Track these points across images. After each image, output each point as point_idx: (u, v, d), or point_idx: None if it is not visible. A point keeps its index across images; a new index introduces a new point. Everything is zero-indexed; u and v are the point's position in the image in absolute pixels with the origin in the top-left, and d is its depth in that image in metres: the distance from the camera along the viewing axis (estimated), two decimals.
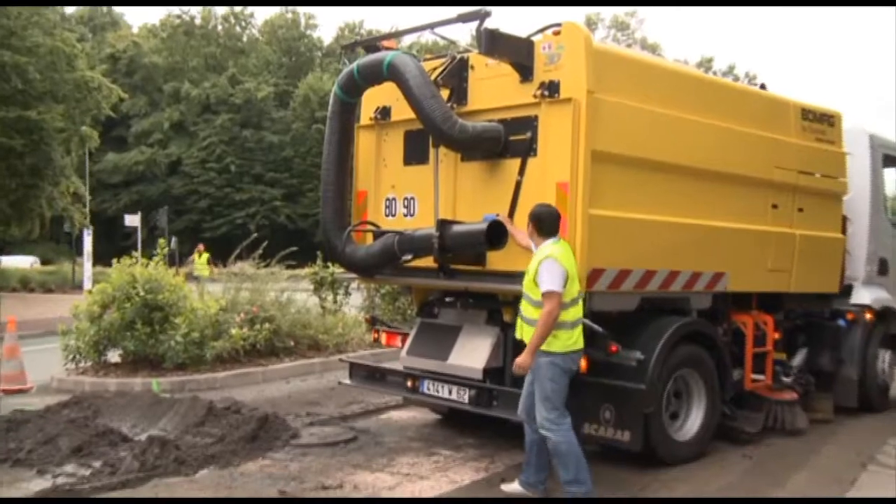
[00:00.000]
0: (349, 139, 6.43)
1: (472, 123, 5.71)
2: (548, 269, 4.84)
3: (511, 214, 5.63)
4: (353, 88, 6.23)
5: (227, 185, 47.90)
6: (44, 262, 36.56)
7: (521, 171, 5.63)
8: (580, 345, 5.02)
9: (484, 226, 5.49)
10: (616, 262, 5.67)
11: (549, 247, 4.96)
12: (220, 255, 12.47)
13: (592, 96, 5.43)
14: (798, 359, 7.67)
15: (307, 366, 10.03)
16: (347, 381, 6.96)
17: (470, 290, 6.17)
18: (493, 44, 5.47)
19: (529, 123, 5.64)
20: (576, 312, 4.98)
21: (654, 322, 6.03)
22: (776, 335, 7.13)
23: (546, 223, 5.03)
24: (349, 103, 6.35)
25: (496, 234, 5.51)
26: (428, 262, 6.07)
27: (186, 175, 48.43)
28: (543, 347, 4.87)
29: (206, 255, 15.68)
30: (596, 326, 5.53)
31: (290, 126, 50.39)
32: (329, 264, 12.22)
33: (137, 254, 9.64)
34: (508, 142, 5.72)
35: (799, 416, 7.23)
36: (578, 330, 5.00)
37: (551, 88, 5.48)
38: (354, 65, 6.10)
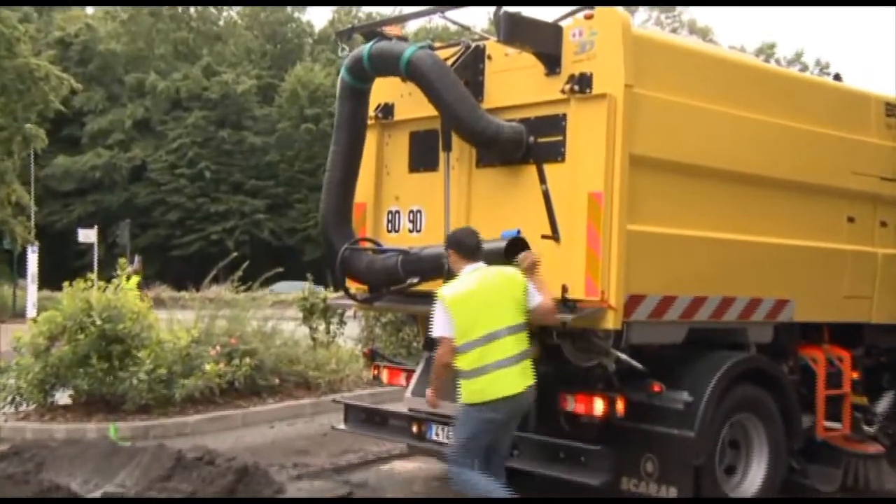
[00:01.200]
0: (360, 128, 6.52)
1: (498, 121, 5.82)
2: (434, 311, 5.20)
3: (554, 232, 5.65)
4: (363, 74, 6.37)
5: (200, 194, 48.19)
6: None
7: (546, 179, 5.73)
8: (494, 394, 5.08)
9: (502, 244, 5.57)
10: (658, 287, 5.73)
11: (450, 284, 5.25)
12: (192, 277, 12.59)
13: (631, 91, 5.51)
14: (883, 404, 7.55)
15: (295, 408, 10.10)
16: (342, 426, 7.01)
17: None
18: (514, 30, 5.57)
19: (556, 123, 5.73)
20: (474, 359, 5.08)
21: (704, 358, 6.07)
22: (854, 375, 7.10)
23: (465, 248, 5.30)
24: (360, 89, 6.46)
25: (517, 253, 5.56)
26: (437, 286, 6.14)
27: (152, 182, 48.76)
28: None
29: (135, 278, 14.76)
30: (634, 362, 5.58)
31: (274, 126, 50.72)
32: (322, 287, 12.31)
33: (93, 276, 9.76)
34: (531, 144, 5.82)
35: (886, 474, 7.18)
36: (487, 378, 5.07)
37: (582, 82, 5.57)
38: (365, 50, 6.23)
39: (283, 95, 51.37)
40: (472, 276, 5.24)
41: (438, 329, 5.16)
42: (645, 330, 5.75)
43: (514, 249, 5.54)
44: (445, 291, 5.20)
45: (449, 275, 5.72)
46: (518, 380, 5.16)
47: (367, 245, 6.64)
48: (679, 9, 56.46)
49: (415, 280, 6.08)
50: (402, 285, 6.12)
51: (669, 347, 6.01)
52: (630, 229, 5.51)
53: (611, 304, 5.43)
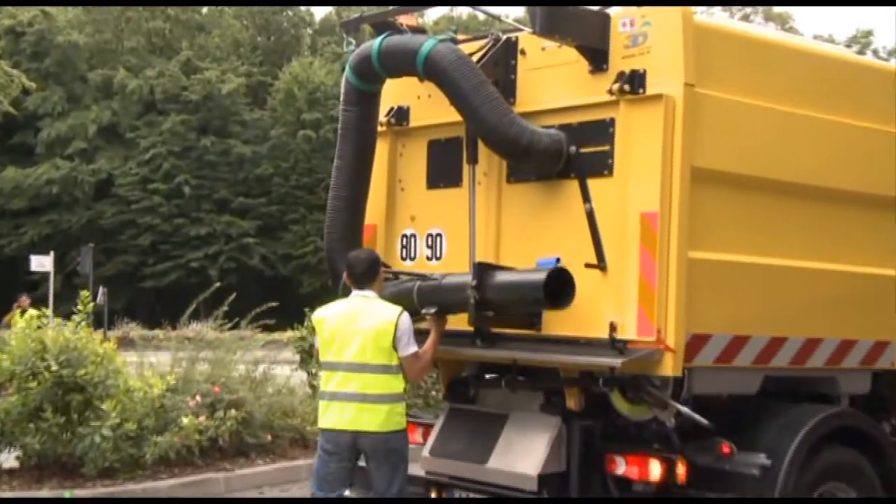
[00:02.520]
0: (369, 138, 6.62)
1: (533, 128, 5.89)
2: None
3: (600, 260, 5.69)
4: (372, 74, 6.46)
5: (178, 214, 48.43)
6: None
7: (591, 197, 5.78)
8: (322, 422, 6.06)
9: (542, 275, 5.61)
10: (727, 326, 5.75)
11: (326, 306, 6.23)
12: (167, 312, 12.74)
13: (693, 91, 5.56)
14: None
15: (290, 470, 10.13)
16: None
17: (520, 362, 6.27)
18: (553, 19, 5.64)
19: (603, 130, 5.79)
20: (322, 381, 6.11)
21: (785, 413, 6.06)
22: None
23: (352, 274, 6.17)
24: (368, 91, 6.55)
25: (559, 288, 5.60)
26: (460, 322, 6.20)
27: (120, 200, 49.06)
28: None
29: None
30: (698, 417, 5.59)
31: (267, 132, 51.00)
32: None
33: (48, 311, 9.84)
34: (573, 155, 5.88)
35: None
36: (322, 404, 6.07)
37: (634, 81, 5.62)
38: (374, 45, 6.31)
39: (277, 97, 51.73)
40: (343, 305, 6.11)
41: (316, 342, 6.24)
42: (711, 377, 5.76)
43: (555, 283, 5.55)
44: (317, 310, 6.23)
45: (479, 309, 5.87)
46: (355, 417, 5.91)
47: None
48: None
49: (431, 310, 6.13)
50: (415, 317, 6.18)
51: (741, 399, 6.01)
52: (692, 257, 5.53)
53: (669, 346, 5.45)
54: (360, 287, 6.09)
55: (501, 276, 5.91)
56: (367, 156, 6.64)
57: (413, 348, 5.94)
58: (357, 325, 5.94)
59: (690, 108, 5.54)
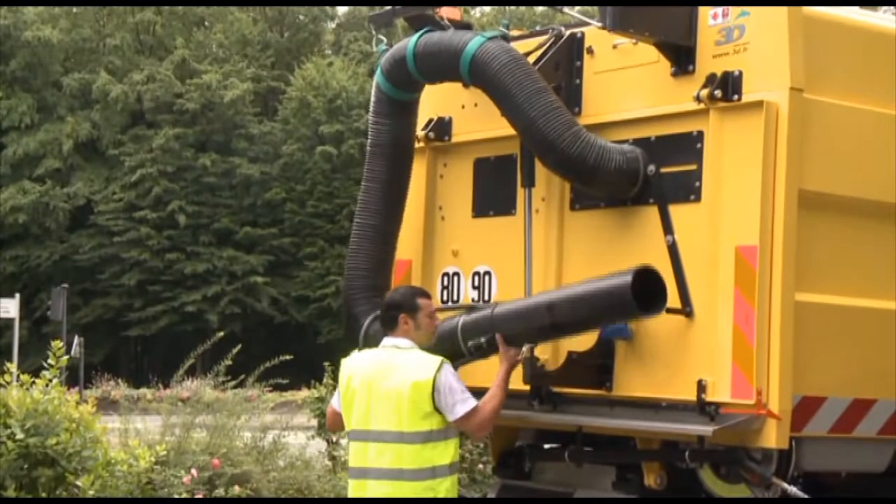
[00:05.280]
0: (404, 155, 6.68)
1: (603, 143, 5.90)
2: None
3: (686, 305, 5.69)
4: (407, 80, 6.52)
5: (170, 247, 48.68)
6: None
7: (674, 227, 5.77)
8: None
9: (628, 277, 5.48)
10: (846, 387, 5.72)
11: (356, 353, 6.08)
12: (157, 367, 12.86)
13: (801, 98, 5.56)
14: None
15: None
16: None
17: (587, 430, 6.25)
18: (627, 11, 5.67)
19: (689, 145, 5.81)
20: (351, 456, 5.85)
21: None
22: None
23: (382, 318, 5.94)
24: (403, 101, 6.62)
25: (650, 290, 5.50)
26: (514, 380, 6.19)
27: (101, 230, 49.42)
28: None
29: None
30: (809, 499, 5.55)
31: (278, 149, 51.22)
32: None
33: (12, 366, 9.92)
34: (651, 177, 5.89)
35: None
36: (352, 486, 5.78)
37: (727, 85, 5.63)
38: (410, 44, 6.38)
39: (290, 105, 51.92)
40: (370, 357, 5.84)
41: (333, 401, 6.04)
42: (826, 450, 5.74)
43: (645, 283, 5.46)
44: (349, 359, 5.96)
45: (553, 332, 5.91)
46: (389, 500, 5.58)
47: None
48: None
49: (481, 340, 5.98)
50: (463, 359, 6.13)
51: (864, 477, 5.98)
52: (800, 300, 5.51)
53: (772, 412, 5.41)
54: (391, 332, 5.79)
55: (575, 289, 5.82)
56: (402, 177, 6.69)
57: (466, 406, 5.58)
58: (387, 383, 5.64)
59: (798, 119, 5.53)
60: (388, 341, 5.77)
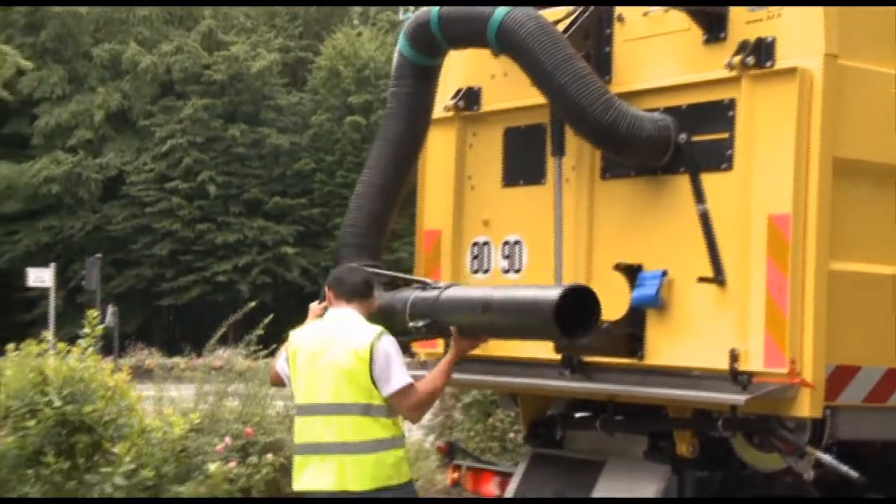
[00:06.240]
0: (421, 119, 6.65)
1: (634, 111, 5.87)
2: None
3: (718, 273, 5.66)
4: (431, 45, 6.49)
5: (201, 217, 48.87)
6: None
7: (706, 196, 5.73)
8: (295, 484, 5.62)
9: (554, 293, 5.34)
10: (880, 356, 5.67)
11: (303, 326, 5.85)
12: (190, 336, 12.90)
13: (835, 64, 5.49)
14: None
15: None
16: None
17: (618, 399, 6.25)
18: None
19: (720, 114, 5.75)
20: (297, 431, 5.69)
21: None
22: None
23: (342, 287, 5.77)
24: (425, 66, 6.58)
25: (579, 313, 5.37)
26: (545, 349, 6.20)
27: (132, 201, 49.63)
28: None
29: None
30: (844, 468, 5.51)
31: (307, 119, 51.28)
32: None
33: (49, 334, 9.97)
34: (682, 145, 5.85)
35: None
36: (295, 461, 5.64)
37: (760, 52, 5.57)
38: (434, 10, 6.35)
39: (319, 76, 51.94)
40: (315, 329, 5.73)
41: (278, 363, 5.88)
42: (860, 419, 5.70)
43: (574, 303, 5.31)
44: (296, 331, 5.81)
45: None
46: (338, 474, 5.42)
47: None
48: None
49: (420, 324, 5.93)
50: (409, 336, 6.12)
51: None
52: (834, 269, 5.47)
53: (805, 381, 5.38)
54: (348, 302, 5.67)
55: (507, 293, 5.77)
56: (414, 141, 6.66)
57: (400, 381, 5.42)
58: (328, 355, 5.51)
59: (833, 85, 5.47)
60: (333, 311, 5.70)
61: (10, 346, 9.82)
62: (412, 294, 6.12)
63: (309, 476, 5.54)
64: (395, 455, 5.49)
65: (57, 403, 9.20)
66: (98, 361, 9.85)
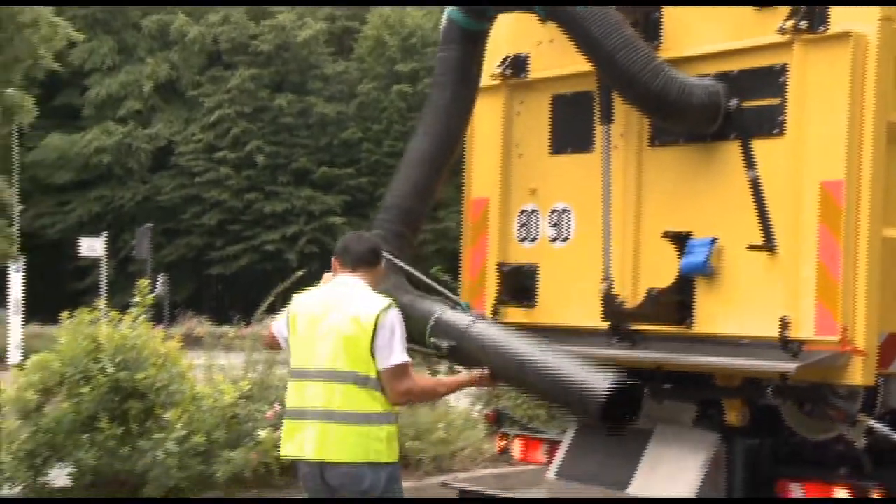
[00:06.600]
0: (469, 85, 6.62)
1: (683, 77, 5.82)
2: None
3: (768, 241, 5.63)
4: (480, 10, 6.48)
5: (249, 187, 49.14)
6: None
7: (756, 162, 5.68)
8: (282, 449, 5.53)
9: (607, 385, 5.28)
10: None
11: (307, 291, 5.65)
12: (239, 305, 12.96)
13: (891, 27, 5.45)
14: None
15: None
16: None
17: (667, 367, 6.24)
18: None
19: (772, 79, 5.69)
20: (288, 395, 5.54)
21: None
22: None
23: (349, 255, 5.55)
24: (473, 31, 6.55)
25: (621, 405, 5.33)
26: (593, 317, 6.21)
27: (182, 171, 49.99)
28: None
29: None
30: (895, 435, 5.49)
31: (354, 88, 51.31)
32: None
33: (102, 303, 10.06)
34: (733, 111, 5.80)
35: None
36: (284, 425, 5.53)
37: (813, 16, 5.51)
38: None
39: (365, 45, 51.94)
40: (319, 294, 5.56)
41: (275, 325, 5.71)
42: None
43: (619, 397, 5.29)
44: (299, 296, 5.64)
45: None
46: (319, 442, 5.29)
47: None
48: None
49: (443, 345, 5.92)
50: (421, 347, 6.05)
51: None
52: (887, 236, 5.43)
53: (857, 349, 5.35)
54: (353, 271, 5.51)
55: (548, 360, 5.59)
56: (462, 108, 6.61)
57: (399, 358, 5.26)
58: (330, 320, 5.37)
59: (888, 49, 5.42)
60: (339, 279, 5.53)
61: (64, 314, 9.93)
62: (437, 311, 6.07)
63: (295, 443, 5.42)
64: (388, 430, 5.29)
65: (110, 370, 9.30)
66: (149, 329, 9.94)
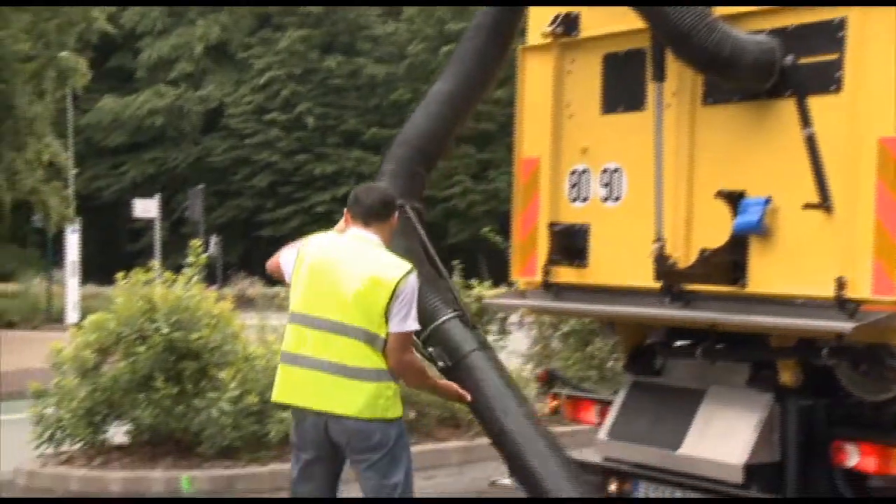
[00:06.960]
0: (501, 37, 6.61)
1: (737, 34, 5.73)
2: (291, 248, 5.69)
3: (824, 199, 5.54)
4: None
5: (299, 149, 49.37)
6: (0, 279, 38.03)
7: (812, 120, 5.59)
8: (276, 394, 5.52)
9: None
10: None
11: (318, 235, 5.64)
12: None
13: None
14: None
15: (436, 454, 10.27)
16: (506, 481, 7.05)
17: (720, 327, 6.18)
18: None
19: (829, 34, 5.58)
20: (286, 338, 5.51)
21: None
22: None
23: (358, 207, 5.50)
24: None
25: None
26: (644, 277, 6.17)
27: (232, 133, 50.31)
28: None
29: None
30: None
31: (403, 49, 51.24)
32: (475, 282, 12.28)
33: (156, 264, 10.12)
34: (788, 68, 5.70)
35: None
36: (280, 370, 5.51)
37: None
38: None
39: (414, 7, 51.76)
40: (334, 241, 5.53)
41: (284, 254, 5.63)
42: None
43: None
44: (315, 237, 5.61)
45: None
46: (327, 395, 5.28)
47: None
48: None
49: (441, 364, 5.92)
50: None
51: None
52: None
53: None
54: (365, 226, 5.45)
55: (531, 448, 5.83)
56: (492, 56, 6.61)
57: (412, 325, 5.32)
58: (342, 272, 5.32)
59: None
60: (353, 232, 5.48)
61: (119, 275, 10.05)
62: (440, 316, 6.04)
63: (296, 389, 5.40)
64: (395, 388, 5.33)
65: (165, 330, 9.43)
66: (202, 290, 10.05)
